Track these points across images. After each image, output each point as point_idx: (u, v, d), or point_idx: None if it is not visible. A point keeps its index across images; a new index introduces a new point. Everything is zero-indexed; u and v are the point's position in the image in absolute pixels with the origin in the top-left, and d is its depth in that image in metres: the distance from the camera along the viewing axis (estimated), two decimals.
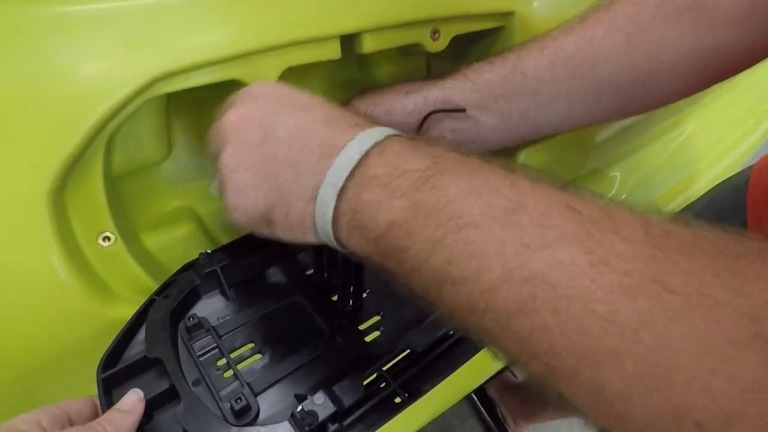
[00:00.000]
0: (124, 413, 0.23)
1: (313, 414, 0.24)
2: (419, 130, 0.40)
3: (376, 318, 0.33)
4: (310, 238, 0.26)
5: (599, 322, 0.16)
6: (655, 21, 0.35)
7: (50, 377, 0.32)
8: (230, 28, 0.32)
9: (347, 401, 0.26)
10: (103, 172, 0.31)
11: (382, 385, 0.28)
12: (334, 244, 0.25)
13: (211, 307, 0.32)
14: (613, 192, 0.72)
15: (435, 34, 0.42)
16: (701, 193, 0.76)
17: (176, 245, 0.41)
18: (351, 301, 0.33)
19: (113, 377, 0.26)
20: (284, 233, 0.27)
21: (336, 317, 0.33)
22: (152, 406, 0.25)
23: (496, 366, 0.57)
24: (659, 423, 0.15)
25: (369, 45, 0.38)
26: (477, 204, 0.20)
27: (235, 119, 0.27)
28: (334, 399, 0.26)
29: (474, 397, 0.96)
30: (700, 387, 0.14)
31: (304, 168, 0.25)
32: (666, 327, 0.15)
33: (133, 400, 0.24)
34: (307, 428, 0.24)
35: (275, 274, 0.36)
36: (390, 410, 0.27)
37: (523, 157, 0.49)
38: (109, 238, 0.33)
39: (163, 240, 0.41)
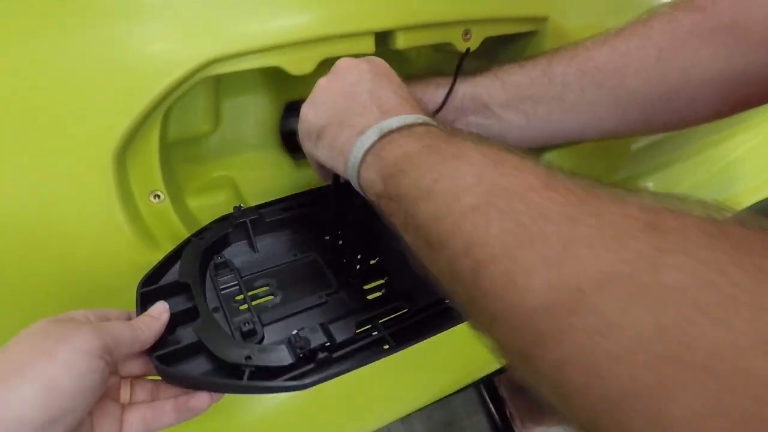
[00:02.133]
0: (153, 318, 0.28)
1: (306, 340, 0.29)
2: (438, 113, 0.42)
3: (380, 281, 0.37)
4: (338, 163, 0.31)
5: (533, 215, 0.19)
6: (689, 38, 0.35)
7: (95, 302, 0.38)
8: (275, 20, 0.36)
9: (339, 338, 0.30)
10: (159, 139, 0.36)
11: (373, 333, 0.32)
12: (354, 171, 0.30)
13: (238, 253, 0.38)
14: None
15: (467, 34, 0.44)
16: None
17: (214, 208, 0.46)
18: (359, 264, 0.37)
19: (149, 293, 0.31)
20: (323, 150, 0.33)
21: (344, 276, 0.37)
22: (176, 321, 0.30)
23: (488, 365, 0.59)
24: (548, 289, 0.18)
25: (401, 42, 0.41)
26: (476, 153, 0.24)
27: (347, 62, 0.34)
28: (328, 334, 0.30)
29: (484, 393, 0.98)
30: (583, 257, 0.17)
31: (368, 113, 0.31)
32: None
33: (160, 309, 0.29)
34: (299, 351, 0.28)
35: (296, 234, 0.40)
36: (376, 353, 0.30)
37: (551, 158, 0.50)
38: (159, 196, 0.38)
39: (203, 203, 0.46)
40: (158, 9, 0.33)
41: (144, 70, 0.33)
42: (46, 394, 0.21)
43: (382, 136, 0.29)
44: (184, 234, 0.40)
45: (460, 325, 0.51)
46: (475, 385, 0.62)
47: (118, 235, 0.36)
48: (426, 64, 0.51)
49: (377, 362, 0.49)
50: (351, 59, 0.35)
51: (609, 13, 0.49)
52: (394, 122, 0.29)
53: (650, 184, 0.71)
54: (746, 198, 0.82)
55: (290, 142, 0.51)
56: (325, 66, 0.39)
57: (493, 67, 0.42)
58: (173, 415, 0.28)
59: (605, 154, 0.60)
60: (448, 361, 0.57)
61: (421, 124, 0.29)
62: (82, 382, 0.23)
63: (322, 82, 0.34)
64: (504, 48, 0.51)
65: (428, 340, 0.52)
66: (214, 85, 0.42)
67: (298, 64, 0.38)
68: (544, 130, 0.41)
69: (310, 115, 0.34)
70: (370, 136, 0.29)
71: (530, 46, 0.49)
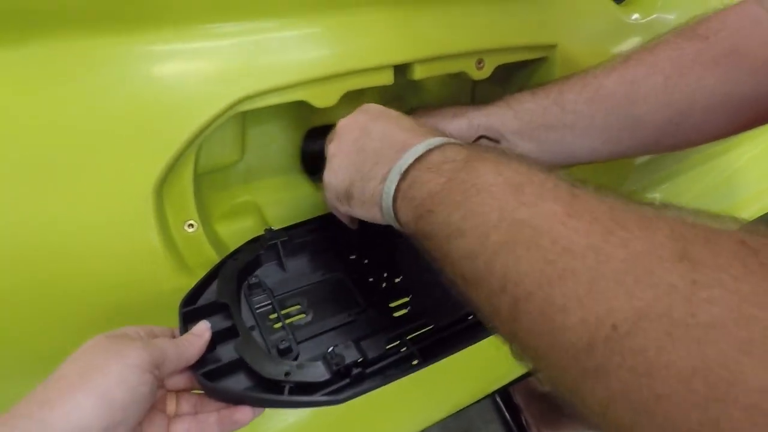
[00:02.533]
0: (196, 336, 0.30)
1: (341, 357, 0.30)
2: None
3: (405, 299, 0.39)
4: (375, 213, 0.33)
5: (558, 250, 0.20)
6: (694, 65, 0.37)
7: (133, 323, 0.40)
8: (302, 58, 0.38)
9: (371, 354, 0.32)
10: (193, 171, 0.38)
11: (402, 349, 0.33)
12: (391, 216, 0.31)
13: (270, 273, 0.40)
14: None
15: (480, 63, 0.46)
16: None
17: (241, 233, 0.48)
18: (384, 282, 0.39)
19: (190, 313, 0.33)
20: (357, 207, 0.34)
21: (370, 294, 0.39)
22: (216, 340, 0.32)
23: (510, 372, 0.60)
24: (584, 327, 0.18)
25: (419, 73, 0.43)
26: (496, 179, 0.25)
27: (345, 122, 0.36)
28: (360, 350, 0.32)
29: (499, 401, 0.99)
30: (615, 293, 0.17)
31: (383, 158, 0.32)
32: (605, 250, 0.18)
33: (202, 328, 0.31)
34: (334, 367, 0.30)
35: (324, 254, 0.42)
36: (406, 368, 0.32)
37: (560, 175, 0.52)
38: (192, 225, 0.40)
39: (230, 228, 0.48)
40: (195, 54, 0.35)
41: (184, 109, 0.35)
42: (101, 406, 0.23)
43: (403, 177, 0.30)
44: (216, 259, 0.42)
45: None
46: (491, 393, 0.63)
47: (156, 263, 0.38)
48: (440, 90, 0.53)
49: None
50: (347, 119, 0.36)
51: (613, 39, 0.51)
52: (408, 157, 0.30)
53: (657, 195, 0.73)
54: (749, 206, 0.84)
55: (310, 166, 0.53)
56: (347, 97, 0.41)
57: (506, 95, 0.44)
58: (216, 428, 0.30)
59: (610, 168, 0.62)
60: (465, 374, 0.58)
61: (435, 149, 0.30)
62: (133, 394, 0.24)
63: (331, 148, 0.36)
64: (515, 74, 0.53)
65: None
66: (241, 117, 0.44)
67: (323, 97, 0.40)
68: (556, 154, 0.43)
69: (333, 181, 0.35)
70: (391, 181, 0.30)
71: (540, 72, 0.51)
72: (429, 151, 0.30)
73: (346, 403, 0.50)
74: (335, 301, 0.39)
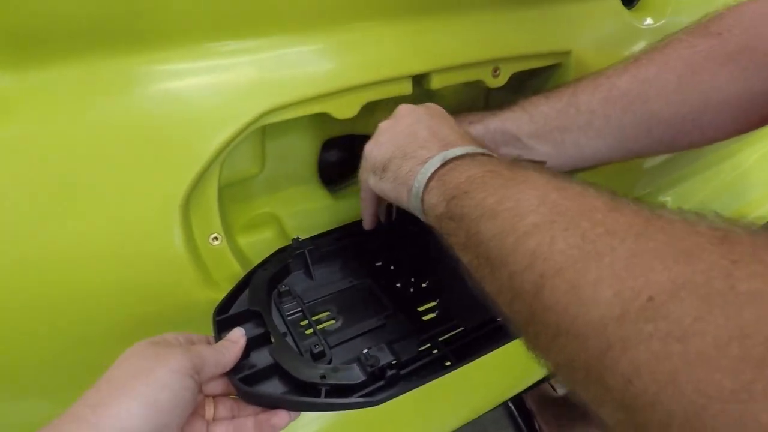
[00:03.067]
0: (232, 343, 0.31)
1: (375, 358, 0.31)
2: None
3: (433, 303, 0.40)
4: (401, 193, 0.33)
5: (599, 231, 0.20)
6: (706, 63, 0.37)
7: (160, 332, 0.40)
8: (323, 72, 0.38)
9: (404, 356, 0.32)
10: (217, 185, 0.39)
11: (434, 351, 0.34)
12: (418, 197, 0.31)
13: (297, 281, 0.41)
14: None
15: (495, 71, 0.46)
16: (758, 222, 0.75)
17: (261, 245, 0.48)
18: (411, 287, 0.40)
19: (224, 321, 0.34)
20: (388, 182, 0.35)
21: (398, 299, 0.39)
22: (250, 346, 0.32)
23: (536, 374, 0.61)
24: (618, 299, 0.18)
25: (437, 83, 0.44)
26: (538, 178, 0.25)
27: (407, 108, 0.38)
28: (394, 353, 0.32)
29: (512, 407, 0.99)
30: (653, 268, 0.17)
31: (430, 145, 0.33)
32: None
33: (238, 335, 0.32)
34: (369, 368, 0.30)
35: (350, 261, 0.43)
36: (439, 370, 0.32)
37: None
38: (217, 238, 0.40)
39: (251, 240, 0.48)
40: (220, 68, 0.35)
41: (209, 124, 0.35)
42: (148, 410, 0.24)
43: (445, 164, 0.31)
44: (239, 271, 0.42)
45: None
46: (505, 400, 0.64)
47: (182, 276, 0.38)
48: (454, 98, 0.54)
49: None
50: (410, 105, 0.38)
51: (626, 44, 0.51)
52: (457, 151, 0.31)
53: (668, 199, 0.74)
54: (759, 207, 0.84)
55: (328, 177, 0.54)
56: (365, 109, 0.41)
57: (520, 99, 0.45)
58: (254, 431, 0.30)
59: (621, 172, 0.62)
60: (480, 382, 0.58)
61: (482, 154, 0.31)
62: (177, 398, 0.25)
63: (383, 124, 0.37)
64: (529, 81, 0.53)
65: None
66: (261, 130, 0.44)
67: (344, 109, 0.40)
68: (572, 156, 0.43)
69: (374, 152, 0.36)
70: (434, 164, 0.31)
71: (554, 78, 0.51)
72: (476, 153, 0.31)
73: (362, 412, 0.50)
74: (364, 307, 0.39)
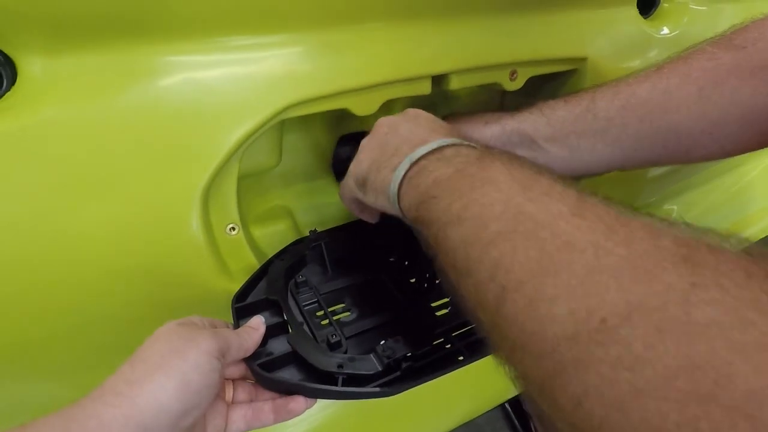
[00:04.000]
0: (252, 329, 0.31)
1: (392, 350, 0.31)
2: None
3: (446, 299, 0.40)
4: (383, 201, 0.34)
5: (558, 243, 0.20)
6: (729, 77, 0.36)
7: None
8: (346, 69, 0.39)
9: (419, 350, 0.33)
10: (237, 176, 0.39)
11: (447, 345, 0.34)
12: (395, 202, 0.32)
13: (313, 272, 0.41)
14: None
15: (513, 75, 0.47)
16: (758, 234, 0.76)
17: (274, 237, 0.49)
18: (425, 283, 0.40)
19: (243, 308, 0.34)
20: (370, 193, 0.35)
21: (411, 294, 0.40)
22: (267, 334, 0.33)
23: None
24: (572, 318, 0.17)
25: (455, 83, 0.44)
26: (506, 175, 0.25)
27: (382, 120, 0.38)
28: (409, 345, 0.32)
29: (509, 409, 1.00)
30: (608, 287, 0.17)
31: (400, 150, 0.33)
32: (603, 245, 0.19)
33: (258, 322, 0.32)
34: (385, 360, 0.31)
35: (365, 256, 0.44)
36: (453, 363, 0.33)
37: None
38: (234, 229, 0.41)
39: (264, 232, 0.49)
40: (245, 62, 0.36)
41: (233, 116, 0.36)
42: (181, 388, 0.25)
43: (413, 164, 0.31)
44: (254, 261, 0.42)
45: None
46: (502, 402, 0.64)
47: (199, 265, 0.38)
48: (470, 99, 0.54)
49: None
50: (386, 117, 0.38)
51: (641, 53, 0.52)
52: (422, 150, 0.31)
53: (674, 207, 0.74)
54: (758, 221, 0.84)
55: (341, 172, 0.54)
56: (383, 106, 0.42)
57: (538, 102, 0.44)
58: (271, 415, 0.31)
59: (624, 182, 0.63)
60: (476, 384, 0.59)
61: (449, 146, 0.30)
62: (206, 379, 0.26)
63: (363, 141, 0.38)
64: (545, 85, 0.54)
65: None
66: (280, 124, 0.45)
67: (364, 106, 0.41)
68: (587, 162, 0.42)
69: (355, 169, 0.37)
70: (402, 169, 0.31)
71: (569, 84, 0.52)
72: (443, 146, 0.31)
73: (358, 413, 0.51)
74: (377, 300, 0.40)
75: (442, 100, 0.54)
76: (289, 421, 0.48)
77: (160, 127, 0.34)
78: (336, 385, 0.30)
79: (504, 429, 1.00)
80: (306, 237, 0.42)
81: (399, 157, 0.32)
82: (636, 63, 0.51)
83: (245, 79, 0.36)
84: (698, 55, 0.38)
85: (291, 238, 0.50)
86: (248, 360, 0.31)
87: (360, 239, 0.43)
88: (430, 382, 0.51)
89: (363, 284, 0.41)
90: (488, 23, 0.44)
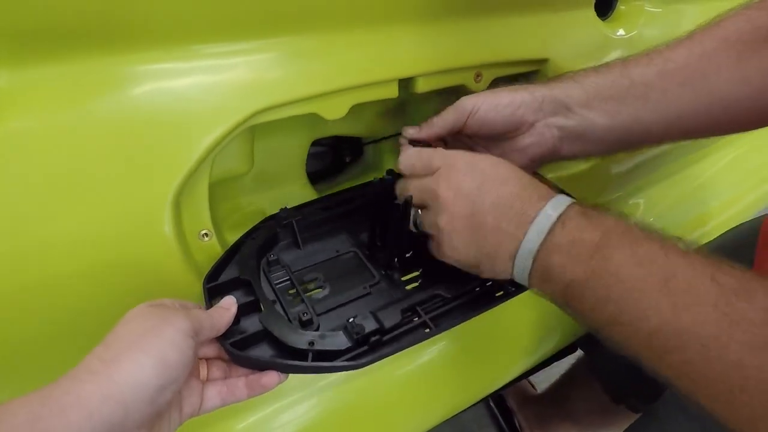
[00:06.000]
0: (224, 309, 0.32)
1: (360, 326, 0.32)
2: (527, 126, 0.41)
3: (416, 273, 0.41)
4: (509, 277, 0.34)
5: (727, 364, 0.24)
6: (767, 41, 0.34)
7: None
8: (313, 74, 0.40)
9: (387, 324, 0.33)
10: (208, 182, 0.40)
11: (415, 319, 0.35)
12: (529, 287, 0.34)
13: (286, 250, 0.42)
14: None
15: (478, 77, 0.49)
16: (720, 227, 0.79)
17: None
18: (395, 258, 0.41)
19: (214, 288, 0.35)
20: (489, 276, 0.36)
21: (383, 269, 0.41)
22: (240, 313, 0.33)
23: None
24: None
25: (422, 86, 0.45)
26: (638, 272, 0.27)
27: (447, 193, 0.34)
28: (377, 320, 0.33)
29: (492, 405, 1.01)
30: None
31: (504, 235, 0.32)
32: None
33: (229, 302, 0.33)
34: (354, 335, 0.32)
35: (337, 232, 0.44)
36: (420, 336, 0.34)
37: None
38: (207, 235, 0.41)
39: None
40: (213, 69, 0.36)
41: (202, 123, 0.36)
42: (158, 364, 0.25)
43: (535, 256, 0.31)
44: None
45: (467, 348, 0.55)
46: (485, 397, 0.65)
47: (173, 271, 0.39)
48: (438, 101, 0.55)
49: (388, 383, 0.52)
50: (446, 190, 0.34)
51: (600, 54, 0.54)
52: (534, 240, 0.31)
53: (641, 202, 0.77)
54: (721, 212, 0.88)
55: (315, 176, 0.55)
56: (353, 110, 0.43)
57: (565, 74, 0.43)
58: (245, 390, 0.32)
59: (590, 178, 0.65)
60: (458, 379, 0.60)
61: (558, 223, 0.31)
62: (182, 356, 0.26)
63: (444, 224, 0.34)
64: (509, 85, 0.55)
65: (437, 357, 0.56)
66: (251, 129, 0.45)
67: (333, 110, 0.42)
68: (629, 130, 0.40)
69: (455, 256, 0.35)
70: (524, 262, 0.32)
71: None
72: (552, 230, 0.31)
73: (340, 407, 0.51)
74: (350, 276, 0.41)
75: (410, 103, 0.55)
76: (275, 422, 0.49)
77: (128, 135, 0.34)
78: (307, 359, 0.31)
79: (489, 426, 1.01)
80: (276, 214, 0.42)
81: (507, 243, 0.32)
82: (595, 63, 0.53)
83: (213, 86, 0.36)
84: (733, 19, 0.37)
85: None
86: (221, 339, 0.32)
87: (331, 215, 0.44)
88: (412, 376, 0.52)
89: (335, 260, 0.42)
90: (453, 27, 0.45)
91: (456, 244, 0.35)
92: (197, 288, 0.40)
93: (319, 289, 0.39)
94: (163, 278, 0.38)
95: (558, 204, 0.32)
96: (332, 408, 0.52)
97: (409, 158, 0.38)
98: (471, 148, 0.45)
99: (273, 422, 0.49)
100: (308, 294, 0.38)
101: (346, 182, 0.59)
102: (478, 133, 0.42)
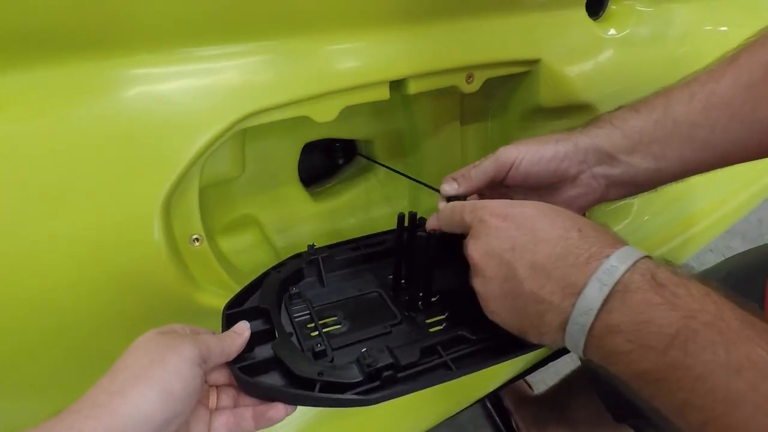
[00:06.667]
0: (237, 334, 0.32)
1: (373, 359, 0.31)
2: (572, 177, 0.40)
3: (441, 317, 0.39)
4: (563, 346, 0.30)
5: None
6: None
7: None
8: (303, 77, 0.39)
9: (404, 361, 0.32)
10: (198, 186, 0.39)
11: (435, 358, 0.33)
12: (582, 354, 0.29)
13: (310, 287, 0.41)
14: (630, 219, 0.76)
15: (470, 78, 0.48)
16: (711, 228, 0.78)
17: (243, 248, 0.49)
18: (421, 301, 0.39)
19: (233, 315, 0.34)
20: (537, 341, 0.31)
21: (406, 310, 0.39)
22: (255, 341, 0.33)
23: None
24: None
25: (413, 88, 0.45)
26: (737, 383, 0.21)
27: (477, 256, 0.31)
28: (393, 356, 0.32)
29: (489, 406, 1.01)
30: None
31: (548, 307, 0.28)
32: None
33: (242, 327, 0.32)
34: (366, 368, 0.31)
35: (363, 273, 0.43)
36: (439, 376, 0.32)
37: None
38: (198, 240, 0.41)
39: (231, 241, 0.49)
40: (203, 72, 0.36)
41: (191, 126, 0.36)
42: (164, 397, 0.25)
43: (588, 333, 0.26)
44: (222, 273, 0.43)
45: None
46: (481, 398, 0.65)
47: (164, 276, 0.38)
48: (430, 103, 0.55)
49: None
50: (479, 251, 0.31)
51: (591, 54, 0.54)
52: (585, 310, 0.26)
53: (635, 202, 0.77)
54: (704, 217, 0.87)
55: (308, 179, 0.54)
56: (344, 112, 0.43)
57: (603, 115, 0.41)
58: (252, 422, 0.31)
59: None
60: (454, 381, 0.60)
61: (610, 297, 0.25)
62: (188, 387, 0.26)
63: (480, 288, 0.32)
64: (500, 87, 0.56)
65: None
66: (242, 133, 0.45)
67: (324, 112, 0.42)
68: (674, 171, 0.39)
69: (498, 320, 0.32)
70: (576, 338, 0.27)
71: (525, 84, 0.53)
72: (608, 297, 0.25)
73: (337, 411, 0.50)
74: (371, 315, 0.39)
75: (402, 105, 0.55)
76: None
77: (116, 139, 0.34)
78: (314, 390, 0.30)
79: (486, 427, 1.01)
80: (304, 251, 0.42)
81: (554, 316, 0.28)
82: (587, 63, 0.54)
83: (203, 89, 0.36)
84: None
85: (259, 248, 0.50)
86: (230, 363, 0.31)
87: (359, 256, 0.43)
88: None
89: (358, 299, 0.41)
90: (444, 28, 0.45)
91: (496, 310, 0.31)
92: (188, 293, 0.40)
93: (338, 326, 0.38)
94: (154, 284, 0.38)
95: (615, 266, 0.26)
96: (327, 409, 0.52)
97: (442, 219, 0.36)
98: (509, 197, 0.42)
99: None
100: (326, 330, 0.37)
101: (339, 185, 0.59)
102: (521, 186, 0.40)
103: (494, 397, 0.98)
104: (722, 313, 0.23)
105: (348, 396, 0.30)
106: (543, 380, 0.97)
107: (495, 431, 0.99)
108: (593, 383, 0.75)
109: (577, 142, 0.39)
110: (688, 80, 0.38)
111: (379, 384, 0.31)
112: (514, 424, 0.96)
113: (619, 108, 0.40)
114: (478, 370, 0.33)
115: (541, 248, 0.29)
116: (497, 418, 0.99)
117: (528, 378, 1.00)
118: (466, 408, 0.63)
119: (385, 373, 0.31)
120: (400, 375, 0.32)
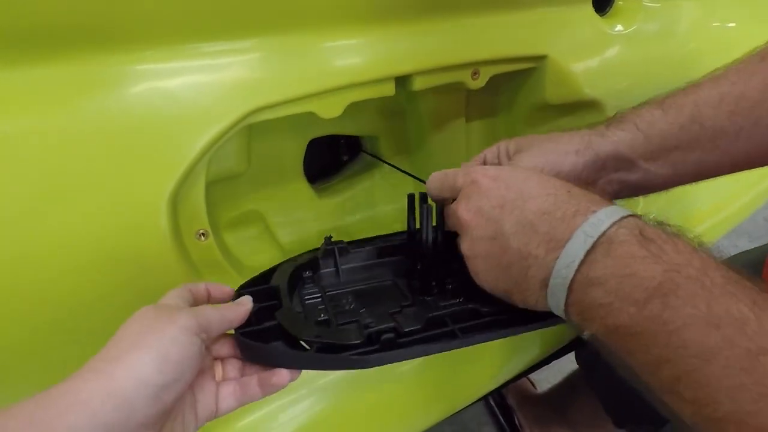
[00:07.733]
0: (239, 304, 0.32)
1: (374, 321, 0.31)
2: (589, 184, 0.39)
3: (454, 301, 0.37)
4: (545, 309, 0.30)
5: None
6: None
7: None
8: (309, 73, 0.39)
9: (406, 327, 0.31)
10: (204, 182, 0.39)
11: (442, 326, 0.32)
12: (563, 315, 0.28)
13: (325, 276, 0.41)
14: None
15: (475, 74, 0.48)
16: (717, 227, 0.78)
17: (248, 243, 0.49)
18: (435, 289, 0.38)
19: (243, 293, 0.34)
20: (521, 305, 0.31)
21: (420, 294, 0.39)
22: (262, 317, 0.32)
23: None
24: None
25: (418, 84, 0.45)
26: (713, 338, 0.20)
27: (467, 215, 0.31)
28: (396, 322, 0.32)
29: (492, 403, 1.01)
30: None
31: (533, 262, 0.28)
32: None
33: (245, 299, 0.33)
34: (365, 330, 0.31)
35: (379, 266, 0.43)
36: (444, 344, 0.31)
37: None
38: (204, 235, 0.41)
39: (236, 237, 0.49)
40: (210, 68, 0.36)
41: (197, 122, 0.36)
42: (160, 361, 0.25)
43: (570, 287, 0.26)
44: (228, 269, 0.43)
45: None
46: (484, 395, 0.65)
47: (170, 271, 0.38)
48: (436, 99, 0.55)
49: (387, 381, 0.52)
50: (468, 212, 0.31)
51: (598, 50, 0.54)
52: (567, 264, 0.25)
53: (640, 199, 0.76)
54: (709, 216, 0.86)
55: (313, 175, 0.54)
56: (350, 108, 0.43)
57: (628, 113, 0.40)
58: (258, 389, 0.31)
59: None
60: (458, 377, 0.60)
61: (591, 252, 0.25)
62: (185, 353, 0.26)
63: (466, 250, 0.32)
64: (506, 83, 0.55)
65: (438, 357, 0.55)
66: (247, 129, 0.45)
67: (329, 108, 0.42)
68: (691, 175, 0.39)
69: (483, 284, 0.32)
70: (557, 294, 0.26)
71: (530, 81, 0.53)
72: (591, 250, 0.25)
73: (339, 406, 0.50)
74: (383, 298, 0.39)
75: (407, 101, 0.55)
76: (275, 422, 0.49)
77: (124, 135, 0.34)
78: (311, 350, 0.30)
79: (488, 424, 1.01)
80: (321, 246, 0.42)
81: (538, 271, 0.27)
82: (594, 60, 0.53)
83: (209, 85, 0.36)
84: None
85: (264, 243, 0.50)
86: (234, 330, 0.31)
87: (375, 250, 0.42)
88: (411, 376, 0.51)
89: (373, 287, 0.41)
90: (450, 23, 0.45)
91: (481, 271, 0.31)
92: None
93: (348, 307, 0.38)
94: (161, 278, 0.38)
95: (602, 220, 0.25)
96: (331, 407, 0.52)
97: (434, 182, 0.36)
98: None
99: (272, 422, 0.49)
100: (335, 311, 0.37)
101: (343, 181, 0.59)
102: None
103: (497, 394, 0.98)
104: (707, 268, 0.22)
105: (345, 356, 0.30)
106: (546, 378, 0.97)
107: (498, 429, 0.99)
108: (591, 386, 0.75)
109: (599, 151, 0.38)
110: (717, 76, 0.37)
111: (379, 347, 0.31)
112: (517, 422, 0.96)
113: (646, 103, 0.39)
114: (485, 341, 0.32)
115: (530, 205, 0.29)
116: (500, 416, 0.99)
117: (531, 376, 1.00)
118: (469, 405, 0.63)
119: (385, 336, 0.31)
120: (401, 340, 0.31)
